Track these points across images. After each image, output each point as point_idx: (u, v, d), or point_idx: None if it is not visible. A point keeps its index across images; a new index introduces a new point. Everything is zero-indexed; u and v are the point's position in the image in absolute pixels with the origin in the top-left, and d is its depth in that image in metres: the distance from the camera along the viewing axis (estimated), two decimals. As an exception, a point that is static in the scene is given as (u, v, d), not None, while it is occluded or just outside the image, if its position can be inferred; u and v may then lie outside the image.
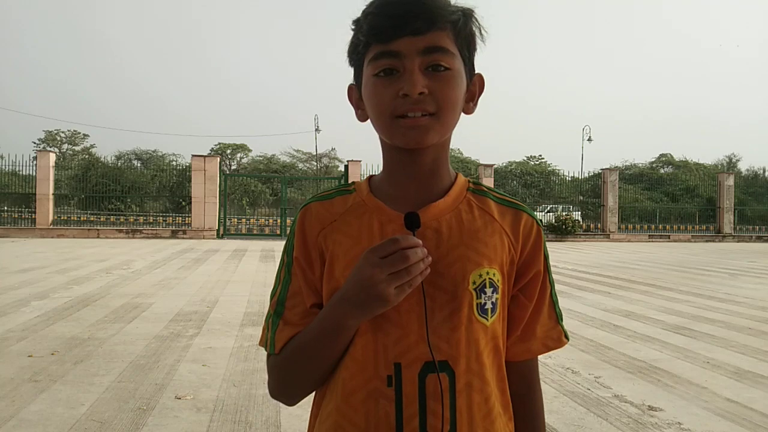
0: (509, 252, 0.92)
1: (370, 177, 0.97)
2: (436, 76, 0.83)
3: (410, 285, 0.79)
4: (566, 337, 0.99)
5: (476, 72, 0.93)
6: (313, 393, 0.95)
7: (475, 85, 0.93)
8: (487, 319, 0.88)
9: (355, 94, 0.94)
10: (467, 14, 0.86)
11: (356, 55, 0.89)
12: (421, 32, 0.82)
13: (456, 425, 0.84)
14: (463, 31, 0.86)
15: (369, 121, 0.92)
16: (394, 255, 0.78)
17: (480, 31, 0.89)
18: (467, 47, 0.88)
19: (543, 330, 0.95)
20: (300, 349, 0.89)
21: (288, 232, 0.98)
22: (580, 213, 26.28)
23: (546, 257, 0.96)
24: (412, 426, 0.84)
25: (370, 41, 0.85)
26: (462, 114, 0.91)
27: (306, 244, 0.92)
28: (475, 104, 0.93)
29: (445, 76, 0.84)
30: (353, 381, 0.87)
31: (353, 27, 0.88)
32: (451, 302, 0.85)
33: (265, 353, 0.95)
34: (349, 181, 1.01)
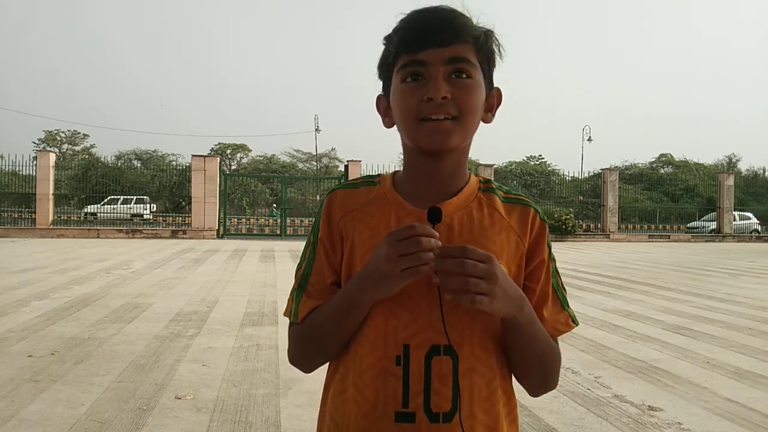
0: (518, 247, 1.00)
1: (395, 172, 1.05)
2: (459, 83, 0.92)
3: (417, 271, 0.84)
4: (574, 321, 1.04)
5: (495, 86, 1.02)
6: (327, 367, 1.05)
7: (494, 98, 1.02)
8: None
9: (383, 103, 1.02)
10: (488, 33, 0.96)
11: (386, 66, 0.98)
12: (446, 44, 0.91)
13: (458, 405, 0.92)
14: (484, 47, 0.95)
15: (391, 127, 1.02)
16: (409, 239, 0.84)
17: (499, 49, 0.99)
18: (487, 61, 0.97)
19: (550, 314, 1.02)
20: (320, 322, 0.98)
21: (316, 216, 1.05)
22: (572, 212, 26.33)
23: (549, 248, 1.04)
24: (417, 402, 0.91)
25: (400, 52, 0.94)
26: (481, 123, 0.99)
27: (330, 227, 1.00)
28: (493, 115, 1.02)
29: (467, 84, 0.92)
30: (368, 359, 0.94)
31: (384, 42, 0.98)
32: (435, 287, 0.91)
33: (285, 327, 1.08)
34: (376, 174, 1.10)
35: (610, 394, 4.04)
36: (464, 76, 0.92)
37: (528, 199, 1.06)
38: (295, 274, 1.05)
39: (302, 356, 1.04)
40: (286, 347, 1.08)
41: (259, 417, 3.51)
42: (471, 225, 0.97)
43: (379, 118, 1.04)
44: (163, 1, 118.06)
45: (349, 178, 1.08)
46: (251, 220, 27.00)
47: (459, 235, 0.95)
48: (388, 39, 0.97)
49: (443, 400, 0.91)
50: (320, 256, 1.01)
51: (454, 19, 0.93)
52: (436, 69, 0.91)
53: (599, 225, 26.19)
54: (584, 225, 26.31)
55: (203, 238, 21.35)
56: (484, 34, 0.95)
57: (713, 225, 27.47)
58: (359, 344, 0.96)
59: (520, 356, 0.98)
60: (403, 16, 0.96)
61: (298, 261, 1.06)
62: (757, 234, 28.35)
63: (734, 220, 27.16)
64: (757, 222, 28.89)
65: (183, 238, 21.44)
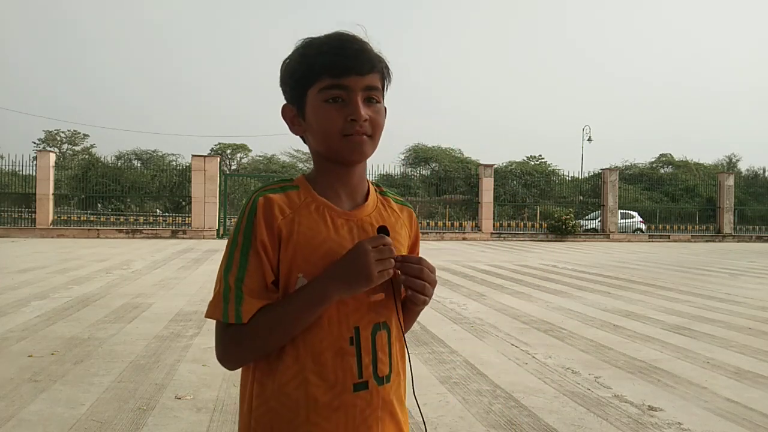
0: (408, 239, 1.25)
1: (304, 177, 1.18)
2: (372, 107, 1.11)
3: (388, 273, 1.07)
4: None
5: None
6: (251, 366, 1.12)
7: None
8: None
9: (291, 112, 1.16)
10: (387, 64, 1.15)
11: (303, 81, 1.11)
12: (365, 73, 1.09)
13: (392, 366, 1.14)
14: (386, 76, 1.14)
15: (298, 135, 1.18)
16: (384, 247, 1.06)
17: (390, 77, 1.17)
18: (385, 88, 1.16)
19: None
20: (279, 318, 1.06)
21: (243, 216, 1.10)
22: (572, 211, 26.32)
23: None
24: (368, 372, 1.10)
25: (322, 74, 1.08)
26: None
27: (271, 229, 1.08)
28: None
29: (378, 108, 1.12)
30: (324, 342, 1.08)
31: (299, 59, 1.11)
32: (389, 279, 1.11)
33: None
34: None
35: (610, 394, 4.04)
36: (375, 101, 1.11)
37: (407, 201, 1.30)
38: (223, 278, 1.08)
39: (247, 354, 1.08)
40: (217, 351, 1.10)
41: (259, 417, 3.51)
42: (383, 223, 1.16)
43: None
44: (163, 1, 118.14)
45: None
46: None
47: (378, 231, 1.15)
48: (304, 57, 1.11)
49: (384, 365, 1.12)
50: (259, 257, 1.07)
51: (370, 51, 1.11)
52: (356, 94, 1.09)
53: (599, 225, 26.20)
54: (584, 225, 26.31)
55: (203, 238, 21.36)
56: (386, 64, 1.14)
57: (593, 224, 26.30)
58: (312, 332, 1.08)
59: (411, 321, 1.26)
60: (310, 39, 1.12)
61: (223, 264, 1.09)
62: (640, 232, 27.10)
63: (619, 218, 26.04)
64: (641, 221, 27.68)
65: (183, 238, 21.44)
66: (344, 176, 1.16)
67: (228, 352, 1.09)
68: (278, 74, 1.17)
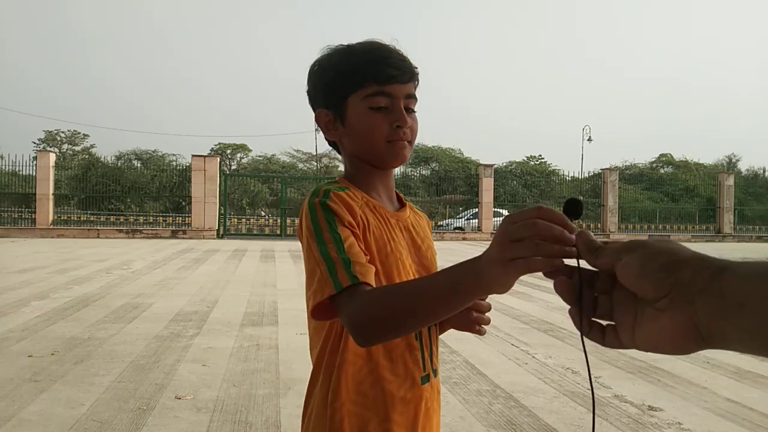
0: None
1: (345, 180, 1.16)
2: (411, 115, 1.15)
3: (528, 265, 0.70)
4: None
5: None
6: (319, 371, 1.09)
7: None
8: None
9: (326, 117, 1.16)
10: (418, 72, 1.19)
11: (344, 87, 1.12)
12: (406, 82, 1.13)
13: (437, 359, 1.19)
14: (418, 85, 1.19)
15: (334, 140, 1.19)
16: (526, 222, 0.70)
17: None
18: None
19: None
20: (420, 291, 0.88)
21: (316, 206, 1.03)
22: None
23: None
24: (428, 364, 1.13)
25: (368, 82, 1.10)
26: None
27: (353, 214, 1.05)
28: None
29: (414, 116, 1.16)
30: (405, 346, 1.09)
31: (337, 65, 1.13)
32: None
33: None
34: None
35: (610, 394, 4.04)
36: (412, 110, 1.15)
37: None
38: (322, 259, 0.97)
39: (400, 315, 0.89)
40: (354, 318, 0.90)
41: (259, 417, 3.51)
42: (416, 225, 1.20)
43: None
44: (163, 1, 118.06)
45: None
46: (251, 220, 26.98)
47: (416, 233, 1.18)
48: (343, 64, 1.12)
49: (436, 357, 1.16)
50: (352, 232, 1.01)
51: (409, 61, 1.15)
52: (399, 101, 1.12)
53: (599, 225, 26.21)
54: (584, 225, 26.32)
55: (203, 238, 21.35)
56: (418, 73, 1.18)
57: (460, 223, 25.77)
58: None
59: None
60: (347, 47, 1.14)
61: (315, 253, 0.99)
62: None
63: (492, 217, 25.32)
64: None
65: (183, 238, 21.44)
66: (384, 179, 1.19)
67: (373, 314, 0.90)
68: (307, 79, 1.18)
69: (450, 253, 16.73)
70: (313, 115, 1.20)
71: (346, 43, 1.16)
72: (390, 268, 1.06)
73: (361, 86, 1.11)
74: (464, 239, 23.92)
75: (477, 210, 25.34)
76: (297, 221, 1.11)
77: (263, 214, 30.40)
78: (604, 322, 0.66)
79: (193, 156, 22.66)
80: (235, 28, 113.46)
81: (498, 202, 26.64)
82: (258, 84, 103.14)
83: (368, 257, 1.01)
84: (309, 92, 1.19)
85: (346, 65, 1.12)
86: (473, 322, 1.18)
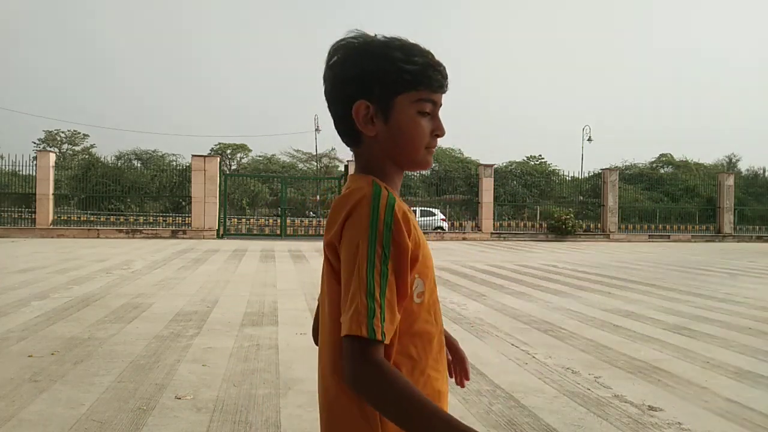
0: None
1: (382, 182, 1.11)
2: None
3: None
4: None
5: None
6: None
7: None
8: None
9: (368, 111, 1.09)
10: None
11: (395, 85, 1.08)
12: (445, 91, 1.15)
13: None
14: None
15: (373, 135, 1.12)
16: None
17: None
18: None
19: None
20: (402, 399, 0.96)
21: (379, 222, 1.01)
22: (572, 212, 25.99)
23: None
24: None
25: (422, 86, 1.10)
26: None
27: (410, 236, 1.05)
28: None
29: None
30: (433, 339, 1.14)
31: (386, 61, 1.07)
32: None
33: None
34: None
35: (610, 394, 4.04)
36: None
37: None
38: (370, 282, 0.98)
39: (383, 409, 0.97)
40: (360, 373, 0.97)
41: (259, 417, 3.51)
42: None
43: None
44: (163, 1, 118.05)
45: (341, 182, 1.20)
46: (251, 220, 26.97)
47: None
48: (394, 61, 1.07)
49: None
50: (399, 272, 1.02)
51: None
52: (438, 110, 1.14)
53: (599, 225, 26.21)
54: (584, 225, 26.31)
55: (203, 238, 21.36)
56: None
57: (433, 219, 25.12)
58: (427, 329, 1.12)
59: None
60: (393, 41, 1.10)
61: (363, 274, 0.99)
62: (442, 231, 24.87)
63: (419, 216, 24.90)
64: (442, 218, 25.82)
65: (183, 238, 21.44)
66: (400, 182, 1.19)
67: (371, 381, 0.96)
68: (343, 55, 1.10)
69: (449, 253, 16.73)
70: (325, 104, 1.15)
71: (388, 35, 1.11)
72: (432, 277, 1.14)
73: (414, 88, 1.09)
74: (464, 239, 23.92)
75: (421, 208, 25.70)
76: (336, 216, 1.05)
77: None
78: None
79: (193, 156, 22.68)
80: (236, 28, 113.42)
81: (498, 202, 26.65)
82: (258, 84, 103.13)
83: (404, 296, 1.05)
84: (347, 72, 1.09)
85: (404, 63, 1.08)
86: (456, 375, 1.34)
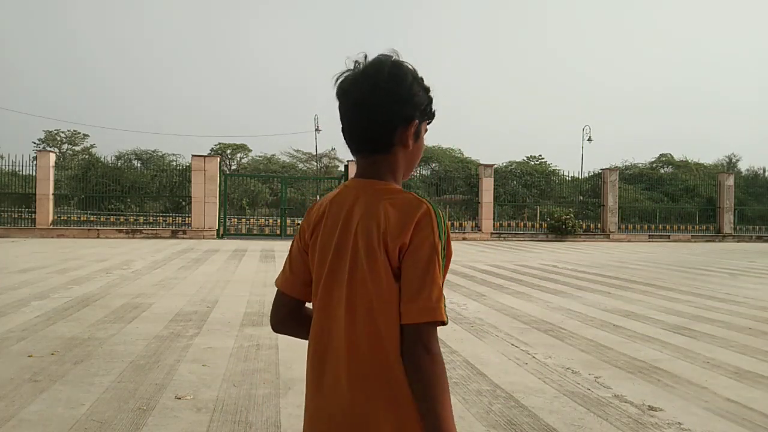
0: None
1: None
2: None
3: None
4: None
5: None
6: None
7: None
8: None
9: (413, 130, 1.30)
10: None
11: (428, 113, 1.33)
12: None
13: None
14: None
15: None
16: None
17: None
18: None
19: None
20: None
21: (441, 231, 1.22)
22: (572, 212, 25.87)
23: None
24: None
25: (432, 117, 1.35)
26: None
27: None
28: None
29: None
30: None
31: (425, 92, 1.31)
32: None
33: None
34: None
35: (610, 394, 4.04)
36: None
37: None
38: (439, 279, 1.18)
39: (443, 384, 1.18)
40: (438, 356, 1.16)
41: (259, 417, 3.51)
42: None
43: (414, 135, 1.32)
44: (163, 1, 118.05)
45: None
46: (251, 220, 26.95)
47: None
48: (427, 92, 1.32)
49: None
50: (443, 273, 1.24)
51: None
52: None
53: (599, 225, 26.21)
54: (584, 225, 26.31)
55: (203, 238, 21.36)
56: None
57: None
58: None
59: None
60: (419, 74, 1.30)
61: (436, 269, 1.18)
62: None
63: None
64: None
65: (183, 238, 21.44)
66: None
67: (440, 364, 1.15)
68: (401, 76, 1.26)
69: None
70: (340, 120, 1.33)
71: (410, 65, 1.30)
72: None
73: (431, 119, 1.34)
74: (464, 239, 23.91)
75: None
76: (406, 221, 1.18)
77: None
78: None
79: (193, 156, 22.68)
80: (236, 28, 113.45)
81: (498, 202, 26.65)
82: (258, 84, 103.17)
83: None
84: (404, 93, 1.25)
85: (428, 94, 1.32)
86: None
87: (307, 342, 1.31)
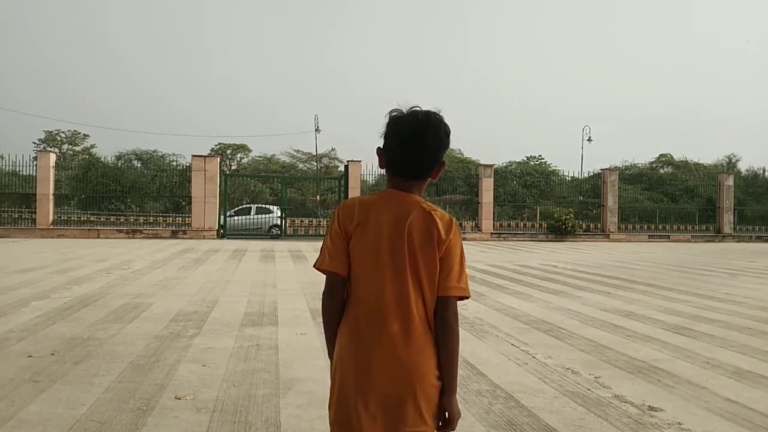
0: None
1: None
2: None
3: None
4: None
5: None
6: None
7: None
8: None
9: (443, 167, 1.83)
10: None
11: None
12: None
13: None
14: None
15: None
16: None
17: None
18: None
19: None
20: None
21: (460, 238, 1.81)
22: (572, 212, 26.00)
23: None
24: None
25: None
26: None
27: None
28: None
29: None
30: None
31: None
32: None
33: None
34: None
35: (610, 394, 4.04)
36: None
37: None
38: (464, 267, 1.75)
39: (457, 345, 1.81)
40: (457, 318, 1.75)
41: (259, 417, 3.51)
42: None
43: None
44: (163, 0, 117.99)
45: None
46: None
47: None
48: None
49: None
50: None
51: None
52: None
53: (599, 225, 26.21)
54: (584, 225, 26.31)
55: (203, 238, 21.36)
56: None
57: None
58: None
59: None
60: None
61: (464, 256, 1.77)
62: (277, 229, 23.97)
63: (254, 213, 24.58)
64: (279, 216, 24.15)
65: (183, 238, 21.45)
66: None
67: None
68: (446, 131, 1.80)
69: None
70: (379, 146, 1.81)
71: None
72: None
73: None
74: (464, 239, 23.92)
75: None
76: (448, 227, 1.73)
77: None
78: None
79: (193, 156, 22.68)
80: (236, 28, 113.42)
81: (498, 202, 26.66)
82: (258, 84, 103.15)
83: None
84: (445, 141, 1.77)
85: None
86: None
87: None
